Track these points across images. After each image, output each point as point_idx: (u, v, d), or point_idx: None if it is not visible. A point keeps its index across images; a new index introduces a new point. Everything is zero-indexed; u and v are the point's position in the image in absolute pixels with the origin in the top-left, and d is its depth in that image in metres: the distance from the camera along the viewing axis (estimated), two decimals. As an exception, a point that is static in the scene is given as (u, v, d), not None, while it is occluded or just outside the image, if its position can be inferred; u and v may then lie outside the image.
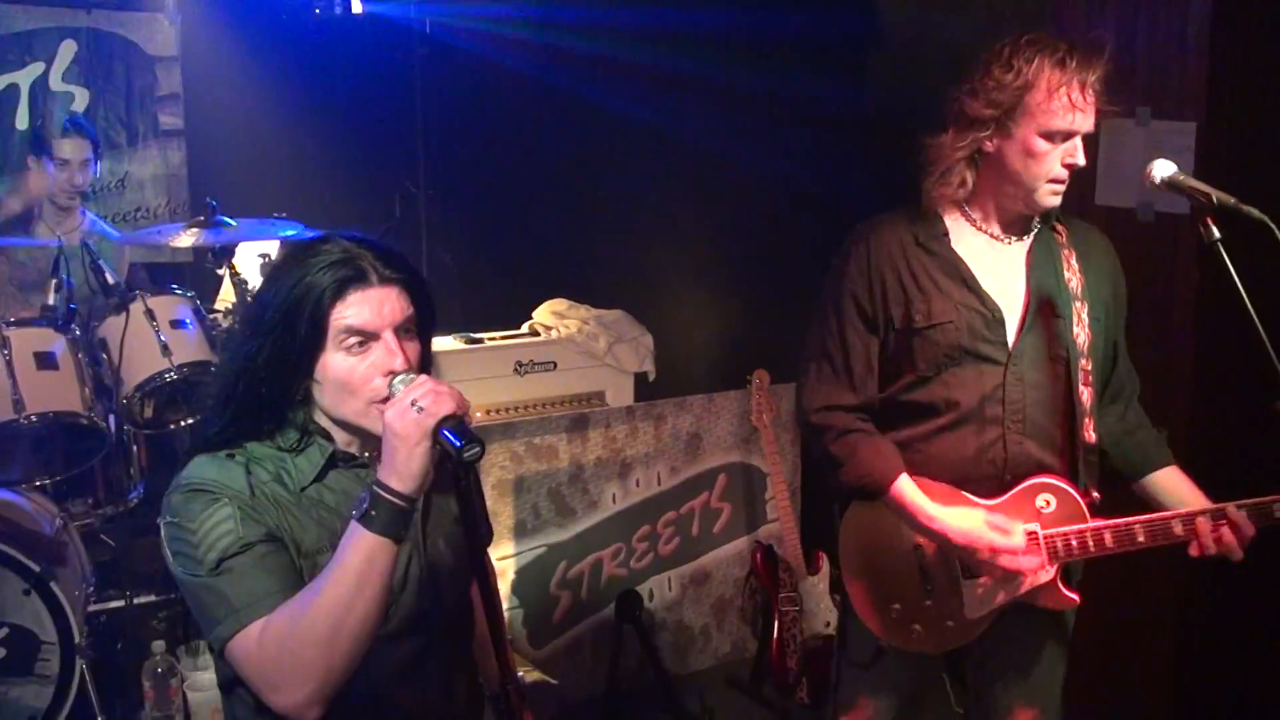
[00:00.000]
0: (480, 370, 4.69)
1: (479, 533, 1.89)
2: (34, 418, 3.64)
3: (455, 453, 1.76)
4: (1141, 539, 2.61)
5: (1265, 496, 2.57)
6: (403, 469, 1.78)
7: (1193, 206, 2.47)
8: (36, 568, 3.40)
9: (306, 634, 1.79)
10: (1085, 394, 2.69)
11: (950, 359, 2.65)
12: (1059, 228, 2.74)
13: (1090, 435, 2.70)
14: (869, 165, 4.49)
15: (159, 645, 3.61)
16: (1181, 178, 2.48)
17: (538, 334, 4.92)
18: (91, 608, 3.84)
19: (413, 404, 1.78)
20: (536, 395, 4.79)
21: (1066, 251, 2.71)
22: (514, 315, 5.03)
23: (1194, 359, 3.75)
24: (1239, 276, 2.38)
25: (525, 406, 4.73)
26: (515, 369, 4.75)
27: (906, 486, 2.65)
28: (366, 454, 2.04)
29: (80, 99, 5.26)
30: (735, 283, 5.34)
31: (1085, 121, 2.55)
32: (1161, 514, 2.63)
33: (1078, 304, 2.68)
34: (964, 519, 2.62)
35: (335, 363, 1.92)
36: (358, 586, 1.79)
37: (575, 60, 5.30)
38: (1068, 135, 2.54)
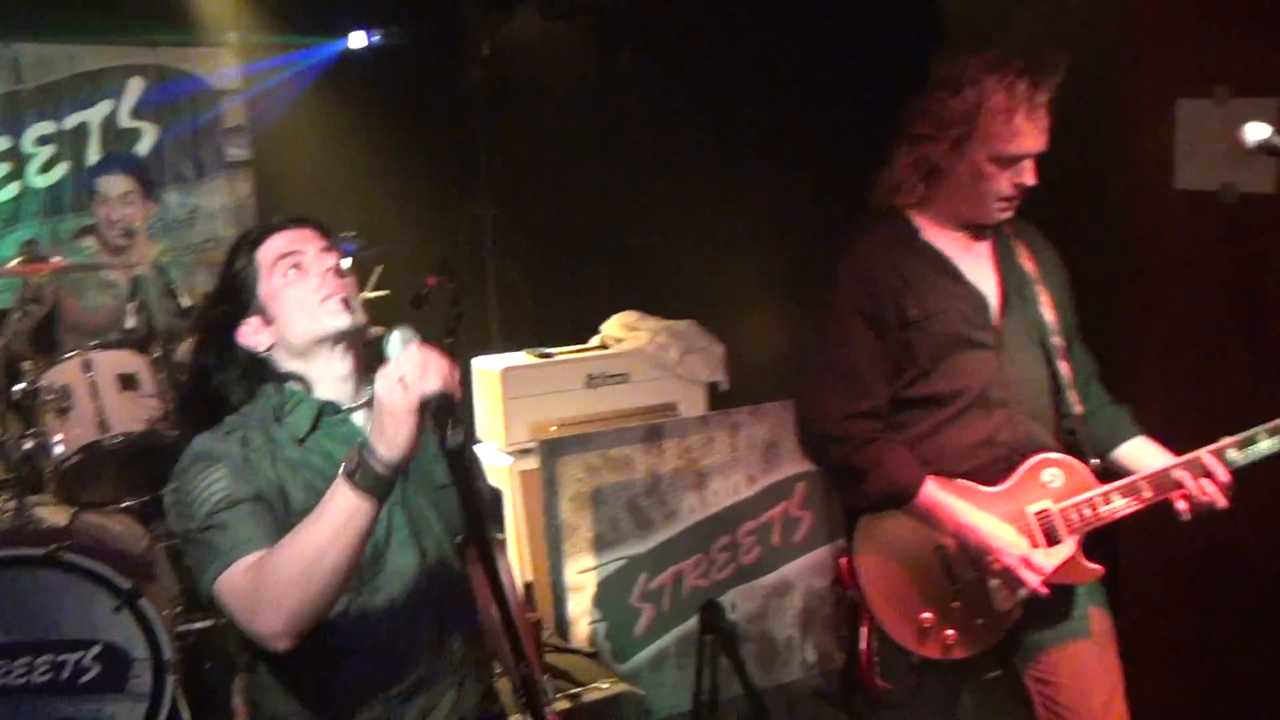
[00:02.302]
0: (552, 384, 4.68)
1: (476, 511, 1.96)
2: (119, 438, 3.70)
3: (437, 438, 1.81)
4: (1148, 494, 2.65)
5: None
6: (390, 439, 1.82)
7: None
8: (126, 584, 3.43)
9: (281, 571, 1.87)
10: (1064, 368, 2.78)
11: (948, 348, 2.69)
12: (1004, 228, 2.80)
13: (1079, 406, 2.78)
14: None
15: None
16: (1277, 139, 2.44)
17: (608, 347, 4.90)
18: (180, 628, 3.85)
19: (400, 379, 1.82)
20: (609, 408, 4.77)
21: (1016, 243, 2.80)
22: (584, 330, 5.03)
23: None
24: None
25: (598, 419, 4.70)
26: (587, 382, 4.73)
27: (934, 489, 2.65)
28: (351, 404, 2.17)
29: (148, 134, 5.35)
30: (804, 288, 5.29)
31: (1035, 144, 2.59)
32: (1161, 467, 2.67)
33: (1039, 288, 2.77)
34: (997, 524, 2.63)
35: (280, 291, 2.12)
36: (332, 539, 1.85)
37: (635, 74, 5.32)
38: (1017, 159, 2.59)
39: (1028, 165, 2.61)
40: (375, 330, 2.16)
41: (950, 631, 2.69)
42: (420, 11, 5.34)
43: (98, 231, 4.49)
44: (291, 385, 2.16)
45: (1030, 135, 2.57)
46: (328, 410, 2.14)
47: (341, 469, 1.86)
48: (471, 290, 5.10)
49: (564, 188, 5.50)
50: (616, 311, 5.07)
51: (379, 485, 1.84)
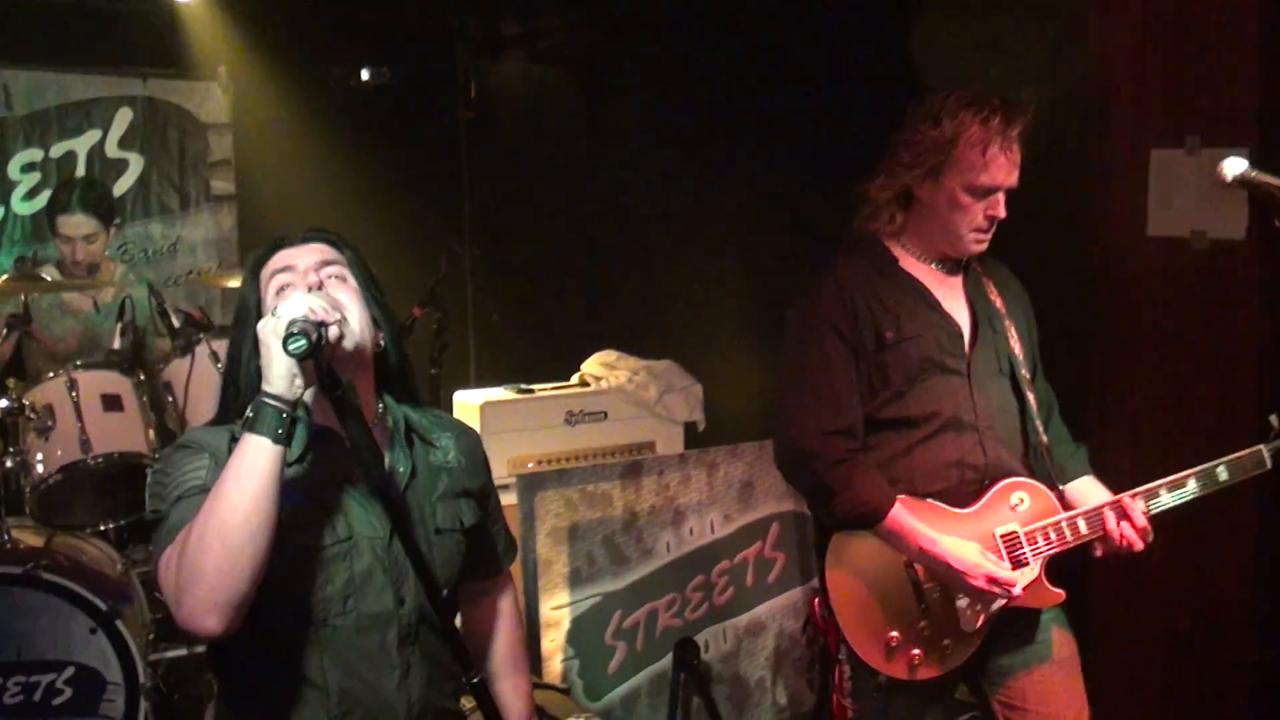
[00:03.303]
0: (532, 420, 4.71)
1: (367, 466, 1.93)
2: (100, 458, 3.69)
3: (283, 346, 1.84)
4: (1111, 524, 2.73)
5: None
6: (268, 371, 1.87)
7: (1256, 203, 2.51)
8: (104, 606, 3.40)
9: (202, 540, 1.84)
10: (1031, 399, 2.88)
11: (922, 371, 2.76)
12: (975, 265, 2.92)
13: (1044, 436, 2.87)
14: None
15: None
16: (1254, 174, 2.51)
17: (588, 384, 4.94)
18: (151, 657, 3.82)
19: (274, 311, 1.89)
20: (588, 445, 4.79)
21: (985, 280, 2.92)
22: (564, 368, 5.06)
23: (1257, 389, 3.74)
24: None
25: (577, 457, 4.73)
26: (566, 419, 4.76)
27: (902, 514, 2.70)
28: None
29: (135, 165, 5.38)
30: (782, 331, 5.36)
31: (1007, 177, 2.71)
32: (1118, 496, 2.76)
33: (1007, 322, 2.88)
34: (962, 547, 2.68)
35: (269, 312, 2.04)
36: (240, 487, 1.84)
37: (618, 116, 5.41)
38: (990, 190, 2.70)
39: (1000, 198, 2.73)
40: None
41: (917, 651, 2.73)
42: (410, 52, 5.40)
43: (61, 263, 4.52)
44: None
45: (1003, 168, 2.69)
46: (319, 437, 2.09)
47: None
48: (452, 327, 5.12)
49: (546, 227, 5.56)
50: (596, 350, 5.12)
51: (269, 421, 1.85)
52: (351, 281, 2.13)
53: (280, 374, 1.86)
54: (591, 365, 5.04)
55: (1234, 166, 2.53)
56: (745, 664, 4.72)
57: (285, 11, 5.28)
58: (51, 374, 3.81)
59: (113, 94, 5.29)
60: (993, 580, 2.65)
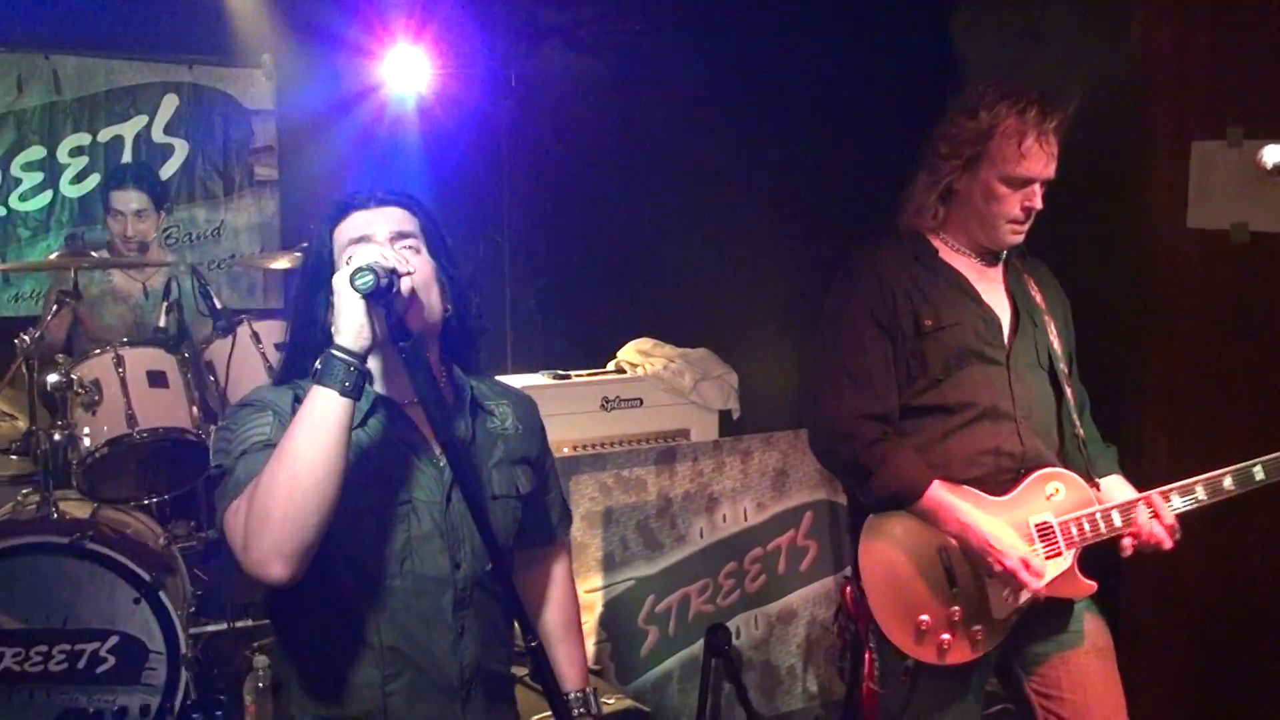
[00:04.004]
0: (568, 406, 4.75)
1: (434, 419, 1.95)
2: (145, 433, 3.74)
3: (350, 282, 1.86)
4: (1143, 518, 2.74)
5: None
6: (341, 324, 1.89)
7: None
8: (148, 576, 3.47)
9: (270, 490, 1.87)
10: (1069, 393, 2.89)
11: (960, 360, 2.78)
12: (1015, 261, 2.94)
13: (1080, 430, 2.89)
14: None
15: (261, 660, 3.63)
16: (1298, 162, 2.51)
17: (624, 371, 4.97)
18: (192, 630, 3.88)
19: (347, 261, 1.94)
20: (622, 431, 4.83)
21: (1025, 275, 2.94)
22: (600, 356, 5.10)
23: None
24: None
25: (612, 443, 4.77)
26: (602, 405, 4.80)
27: (939, 491, 2.72)
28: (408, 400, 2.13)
29: (180, 150, 5.44)
30: (818, 320, 5.38)
31: (1044, 169, 2.73)
32: (1157, 490, 2.77)
33: (1047, 318, 2.91)
34: (999, 526, 2.71)
35: (340, 280, 1.99)
36: (308, 439, 1.87)
37: (657, 107, 5.43)
38: (1026, 181, 2.73)
39: (1036, 189, 2.75)
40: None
41: (946, 636, 2.74)
42: (452, 40, 5.44)
43: (112, 244, 4.58)
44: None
45: (1039, 159, 2.71)
46: (381, 405, 2.11)
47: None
48: (488, 314, 5.17)
49: (583, 215, 5.60)
50: (632, 338, 5.15)
51: (340, 373, 1.88)
52: (425, 254, 2.12)
53: (351, 323, 1.88)
54: (627, 352, 5.08)
55: (1275, 154, 2.53)
56: (776, 651, 4.75)
57: (329, 0, 5.34)
58: (99, 350, 3.88)
59: (159, 80, 5.35)
60: (1025, 564, 2.66)
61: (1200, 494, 2.78)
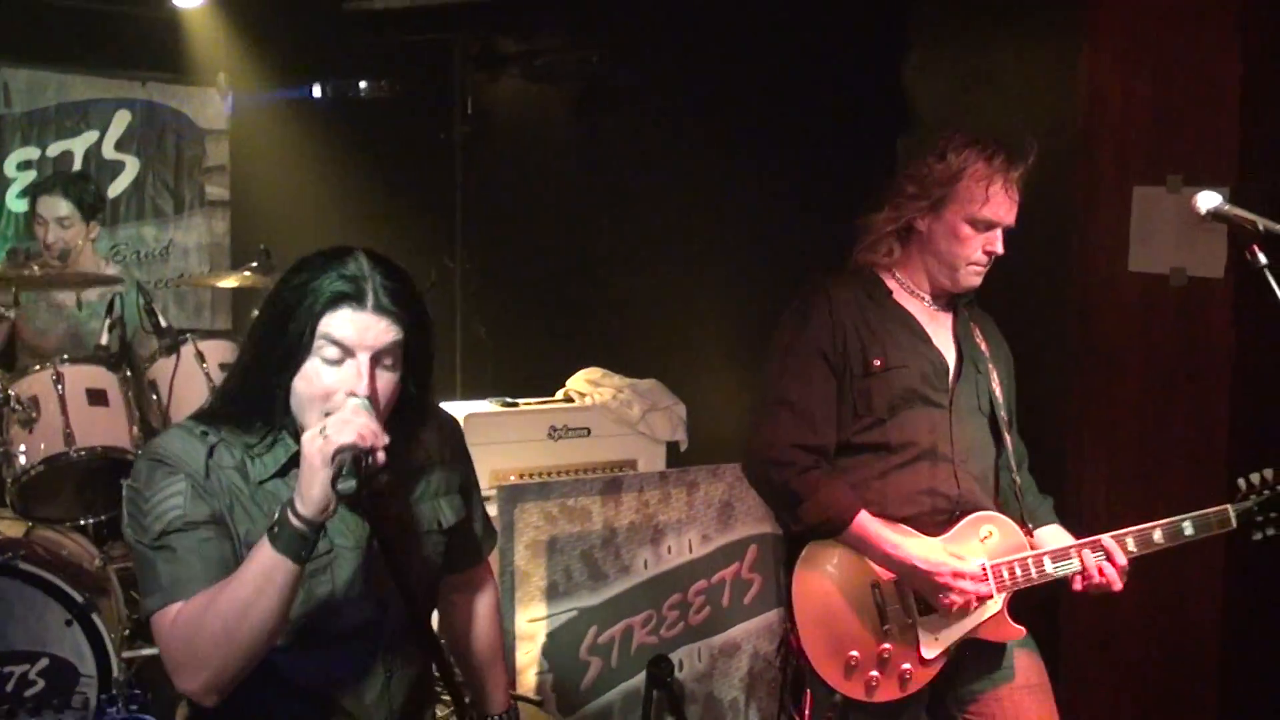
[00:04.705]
0: (515, 434, 4.73)
1: (392, 559, 1.93)
2: (83, 452, 3.70)
3: (332, 483, 1.81)
4: (1078, 564, 2.79)
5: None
6: (305, 492, 1.83)
7: (1235, 244, 2.55)
8: (80, 598, 3.41)
9: (205, 630, 1.87)
10: (1008, 440, 2.96)
11: (904, 401, 2.83)
12: (964, 309, 3.00)
13: (1017, 477, 2.94)
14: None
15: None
16: (1227, 208, 2.57)
17: (572, 400, 4.97)
18: (125, 654, 3.81)
19: (322, 430, 1.83)
20: (569, 461, 4.82)
21: (974, 325, 3.00)
22: (549, 385, 5.09)
23: (1229, 424, 3.79)
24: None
25: (559, 472, 4.75)
26: (549, 434, 4.79)
27: (868, 519, 2.76)
28: None
29: (130, 167, 5.42)
30: (766, 350, 5.41)
31: (1007, 215, 2.81)
32: (1091, 539, 2.81)
33: (990, 366, 2.96)
34: (925, 547, 2.75)
35: (310, 368, 1.97)
36: (254, 596, 1.85)
37: (611, 138, 5.46)
38: (990, 225, 2.80)
39: (998, 234, 2.83)
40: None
41: (875, 673, 2.77)
42: (408, 66, 5.46)
43: (38, 253, 4.53)
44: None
45: (1003, 204, 2.79)
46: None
47: (268, 525, 1.87)
48: (438, 339, 5.15)
49: (537, 243, 5.61)
50: (580, 368, 5.15)
51: (295, 543, 1.84)
52: (397, 373, 2.01)
53: (318, 498, 1.83)
54: (576, 382, 5.07)
55: (1207, 201, 2.58)
56: (719, 684, 4.73)
57: (285, 21, 5.33)
58: (38, 366, 3.83)
59: (112, 96, 5.33)
60: (959, 575, 2.70)
61: (1130, 545, 2.81)
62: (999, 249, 2.82)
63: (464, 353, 5.62)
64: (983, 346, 2.96)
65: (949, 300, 2.95)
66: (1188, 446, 3.81)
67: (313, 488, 1.82)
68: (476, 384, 5.41)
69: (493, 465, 4.65)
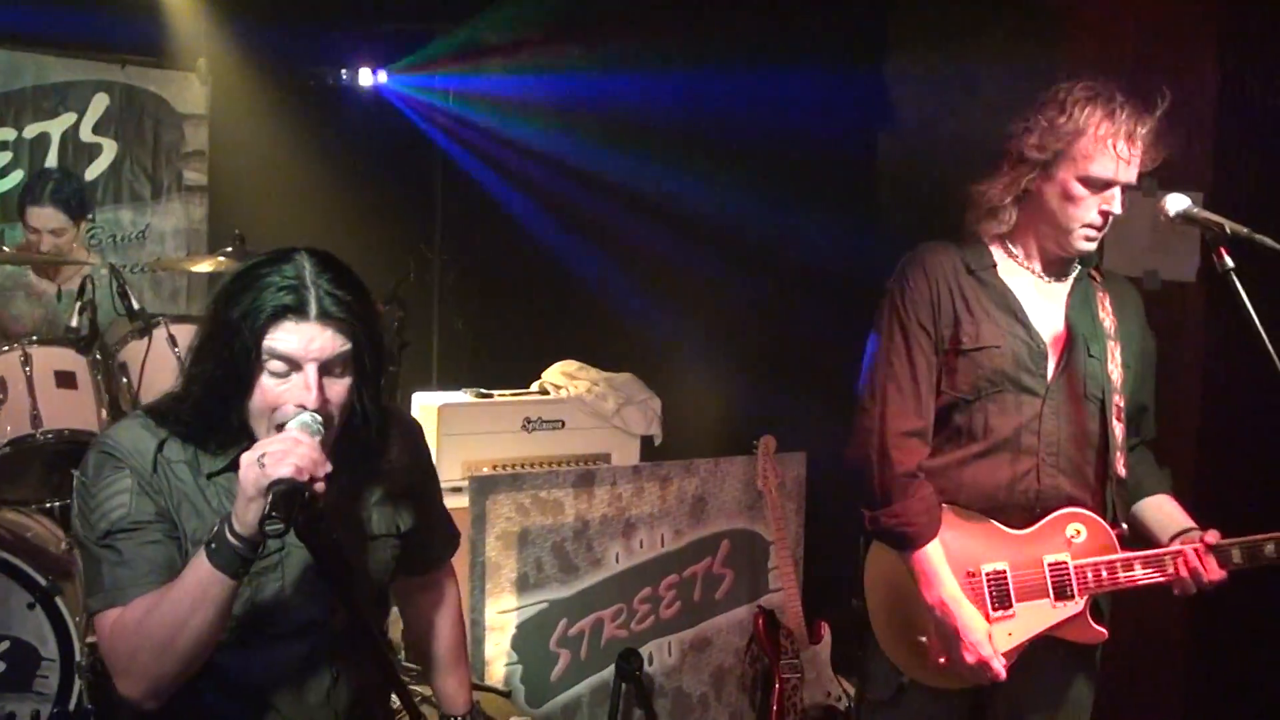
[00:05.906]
0: (489, 425, 4.72)
1: (333, 577, 1.91)
2: (49, 434, 3.68)
3: (259, 522, 1.78)
4: (1171, 569, 2.64)
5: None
6: (241, 515, 1.81)
7: (1206, 239, 2.51)
8: (44, 581, 3.39)
9: (145, 638, 1.87)
10: (1118, 429, 2.72)
11: (991, 384, 2.66)
12: (1095, 275, 2.81)
13: (1122, 470, 2.73)
14: (878, 241, 4.61)
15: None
16: (1195, 210, 2.54)
17: (547, 393, 4.96)
18: (89, 639, 3.79)
19: (260, 457, 1.80)
20: (543, 453, 4.81)
21: (1102, 294, 2.79)
22: (525, 377, 5.08)
23: (1199, 428, 3.80)
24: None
25: (532, 463, 4.75)
26: (524, 425, 4.78)
27: (935, 553, 2.63)
28: None
29: (108, 151, 5.37)
30: (743, 350, 5.42)
31: (1127, 172, 2.60)
32: (1184, 544, 2.66)
33: (1112, 343, 2.73)
34: (976, 617, 2.61)
35: (260, 383, 1.93)
36: (191, 609, 1.85)
37: (590, 131, 5.45)
38: (1107, 184, 2.60)
39: (1116, 193, 2.62)
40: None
41: (943, 660, 2.66)
42: (390, 55, 5.44)
43: (26, 250, 4.52)
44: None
45: (1122, 163, 2.59)
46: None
47: (205, 538, 1.85)
48: (416, 329, 5.14)
49: (514, 236, 5.60)
50: (557, 360, 5.15)
51: (234, 561, 1.83)
52: (348, 378, 1.98)
53: (252, 520, 1.79)
54: (552, 374, 5.07)
55: (1176, 203, 2.54)
56: (688, 679, 4.74)
57: (267, 7, 5.30)
58: (6, 348, 3.80)
59: (90, 78, 5.28)
60: (983, 664, 2.58)
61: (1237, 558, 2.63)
62: (1118, 209, 2.61)
63: (441, 343, 5.61)
64: (1106, 321, 2.74)
65: (1063, 269, 2.75)
66: (1158, 449, 3.82)
67: (247, 513, 1.80)
68: (453, 375, 5.39)
69: (466, 456, 4.65)
